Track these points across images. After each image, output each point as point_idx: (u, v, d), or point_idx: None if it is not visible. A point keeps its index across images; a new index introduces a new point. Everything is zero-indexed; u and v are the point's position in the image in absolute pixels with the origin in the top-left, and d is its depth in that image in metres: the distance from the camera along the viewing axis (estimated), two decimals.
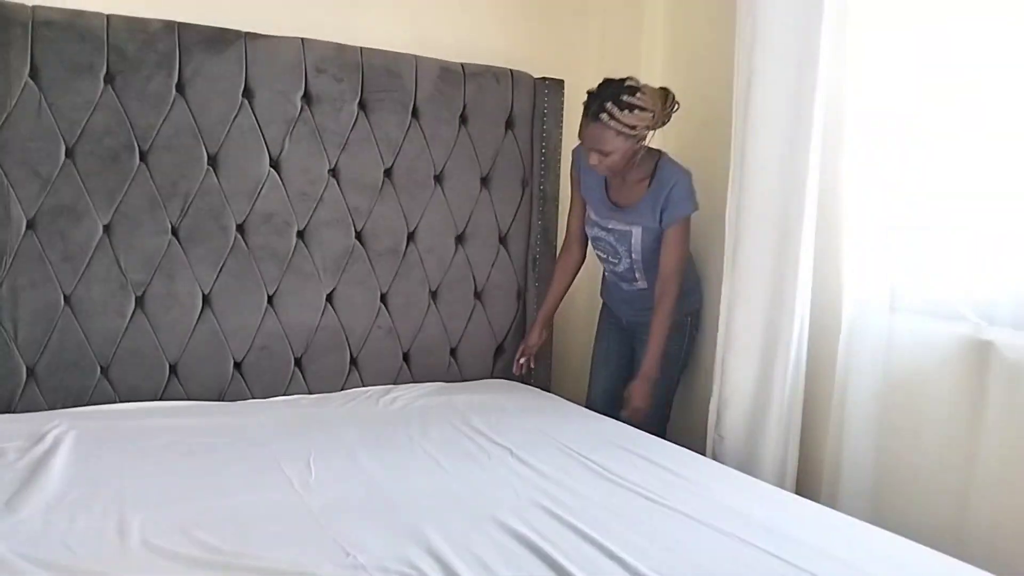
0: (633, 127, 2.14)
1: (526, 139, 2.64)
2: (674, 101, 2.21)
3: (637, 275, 2.41)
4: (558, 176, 2.67)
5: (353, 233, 2.42)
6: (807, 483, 2.16)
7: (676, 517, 1.52)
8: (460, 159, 2.54)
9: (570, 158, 2.51)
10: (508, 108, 2.59)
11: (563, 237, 2.59)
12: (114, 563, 1.25)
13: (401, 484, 1.65)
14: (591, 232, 2.45)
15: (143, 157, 2.13)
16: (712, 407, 2.31)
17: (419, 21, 2.57)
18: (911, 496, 1.92)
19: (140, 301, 2.16)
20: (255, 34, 2.23)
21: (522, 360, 2.59)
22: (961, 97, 1.84)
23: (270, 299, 2.32)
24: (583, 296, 2.81)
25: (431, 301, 2.56)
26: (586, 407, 2.43)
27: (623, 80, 2.17)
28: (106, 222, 2.11)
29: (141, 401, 2.15)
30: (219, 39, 2.18)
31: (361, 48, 2.37)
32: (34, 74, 2.00)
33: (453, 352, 2.61)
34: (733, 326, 2.24)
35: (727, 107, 2.27)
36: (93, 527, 1.36)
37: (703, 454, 2.14)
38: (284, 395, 2.35)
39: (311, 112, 2.31)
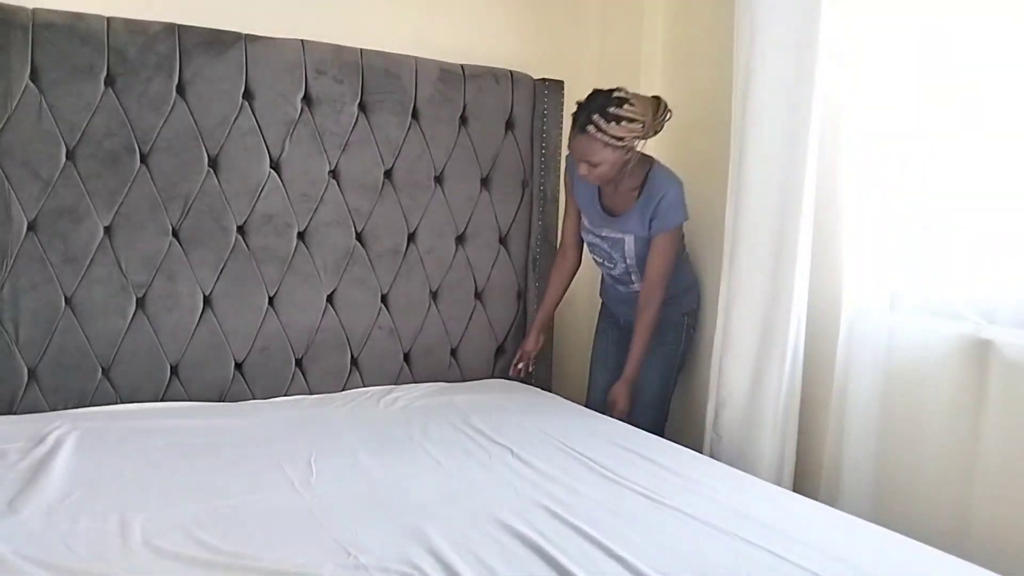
0: (621, 138, 2.14)
1: (526, 140, 2.65)
2: (666, 110, 2.20)
3: (633, 278, 2.42)
4: (558, 177, 2.67)
5: (353, 234, 2.42)
6: (805, 482, 2.16)
7: (676, 516, 1.52)
8: (460, 160, 2.55)
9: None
10: (508, 109, 2.60)
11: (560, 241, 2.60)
12: (116, 563, 1.25)
13: (402, 484, 1.65)
14: (586, 238, 2.46)
15: (144, 159, 2.13)
16: (709, 406, 2.31)
17: (419, 22, 2.58)
18: (911, 495, 1.92)
19: (141, 302, 2.16)
20: (255, 36, 2.23)
21: (520, 365, 2.61)
22: (961, 97, 1.84)
23: (271, 300, 2.33)
24: (583, 297, 2.81)
25: (432, 301, 2.56)
26: (585, 406, 2.44)
27: (611, 91, 2.16)
28: (107, 224, 2.11)
29: (142, 402, 2.15)
30: (219, 41, 2.19)
31: (361, 50, 2.37)
32: (35, 76, 2.00)
33: (454, 352, 2.62)
34: (730, 326, 2.24)
35: (727, 107, 2.27)
36: (94, 528, 1.37)
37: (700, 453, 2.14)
38: (285, 396, 2.35)
39: (311, 114, 2.31)
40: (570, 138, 2.22)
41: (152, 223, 2.15)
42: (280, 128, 2.28)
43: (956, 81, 1.84)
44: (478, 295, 2.63)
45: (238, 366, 2.30)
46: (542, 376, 2.70)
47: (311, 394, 2.38)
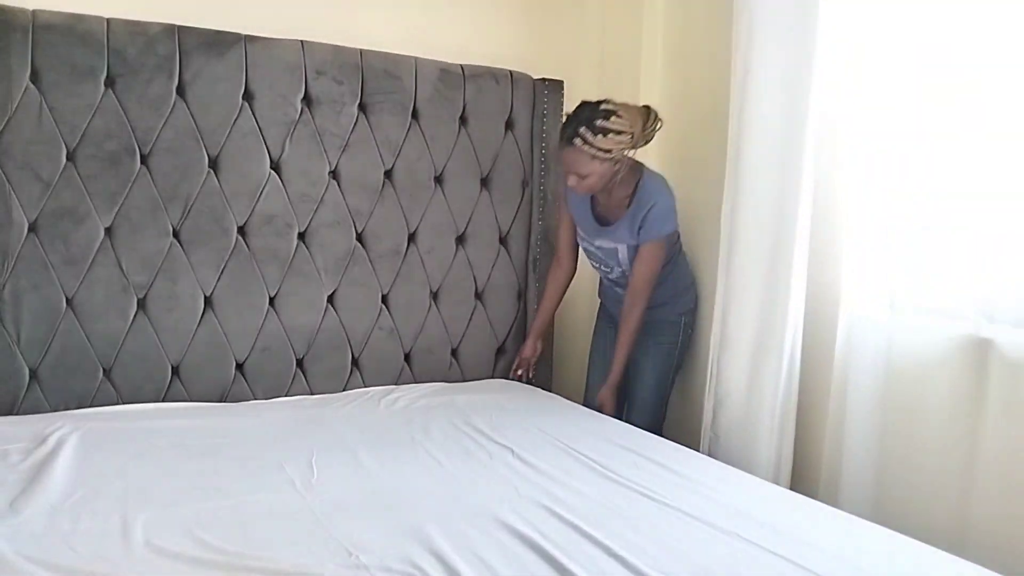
0: (608, 151, 2.14)
1: (526, 140, 2.65)
2: (656, 119, 2.20)
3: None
4: (558, 177, 2.67)
5: (354, 234, 2.42)
6: (804, 482, 2.16)
7: (676, 515, 1.52)
8: (460, 160, 2.55)
9: None
10: (508, 109, 2.60)
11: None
12: (117, 564, 1.25)
13: (403, 484, 1.65)
14: (582, 245, 2.48)
15: (144, 160, 2.14)
16: (707, 406, 2.32)
17: (418, 23, 2.58)
18: (911, 494, 1.92)
19: (142, 303, 2.17)
20: (255, 37, 2.23)
21: (519, 372, 2.61)
22: (960, 97, 1.84)
23: (272, 300, 2.33)
24: (583, 298, 2.81)
25: (432, 302, 2.57)
26: (583, 403, 2.45)
27: (599, 103, 2.17)
28: (107, 225, 2.11)
29: (144, 403, 2.15)
30: (219, 42, 2.19)
31: (361, 50, 2.38)
32: (35, 78, 2.00)
33: (454, 352, 2.62)
34: (728, 325, 2.24)
35: (727, 107, 2.28)
36: (96, 528, 1.37)
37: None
38: (286, 396, 2.36)
39: (311, 114, 2.32)
40: (558, 150, 2.22)
41: (153, 224, 2.16)
42: (280, 129, 2.28)
43: (955, 81, 1.84)
44: (478, 295, 2.64)
45: (239, 367, 2.30)
46: (542, 376, 2.71)
47: (312, 394, 2.38)
